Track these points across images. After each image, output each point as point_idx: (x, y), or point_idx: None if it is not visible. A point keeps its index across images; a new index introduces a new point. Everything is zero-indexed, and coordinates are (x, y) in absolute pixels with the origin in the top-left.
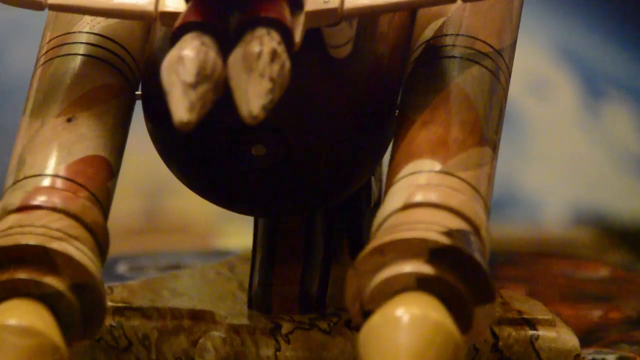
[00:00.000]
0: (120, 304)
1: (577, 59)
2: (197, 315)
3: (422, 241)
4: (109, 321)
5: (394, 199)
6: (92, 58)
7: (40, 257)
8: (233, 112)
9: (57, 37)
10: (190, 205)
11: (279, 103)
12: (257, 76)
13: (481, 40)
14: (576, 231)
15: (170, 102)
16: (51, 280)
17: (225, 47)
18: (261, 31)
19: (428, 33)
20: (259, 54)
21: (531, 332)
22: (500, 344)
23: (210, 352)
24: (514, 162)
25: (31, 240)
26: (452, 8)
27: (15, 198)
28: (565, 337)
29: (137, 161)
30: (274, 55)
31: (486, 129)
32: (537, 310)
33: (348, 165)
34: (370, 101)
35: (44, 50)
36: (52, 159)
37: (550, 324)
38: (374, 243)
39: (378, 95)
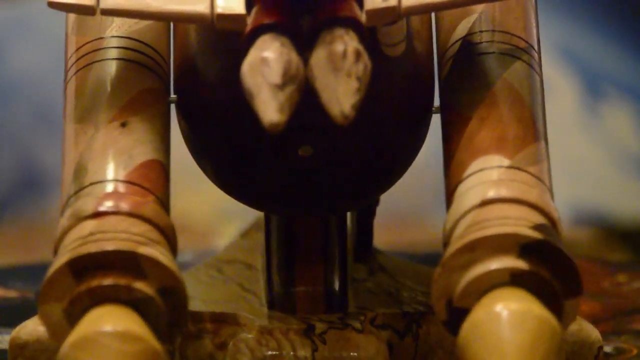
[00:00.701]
0: None
1: (577, 59)
2: (219, 318)
3: (514, 236)
4: None
5: (468, 196)
6: (131, 62)
7: (127, 262)
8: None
9: (88, 42)
10: (190, 205)
11: None
12: (344, 76)
13: (517, 36)
14: (576, 231)
15: (258, 104)
16: (141, 285)
17: (300, 48)
18: (340, 31)
19: (461, 30)
20: (344, 54)
21: None
22: None
23: (246, 354)
24: None
25: (118, 246)
26: (481, 5)
27: (87, 204)
28: (587, 330)
29: None
30: (358, 54)
31: (538, 124)
32: None
33: (389, 165)
34: (413, 100)
35: (78, 56)
36: (115, 164)
37: None
38: (464, 240)
39: (418, 93)
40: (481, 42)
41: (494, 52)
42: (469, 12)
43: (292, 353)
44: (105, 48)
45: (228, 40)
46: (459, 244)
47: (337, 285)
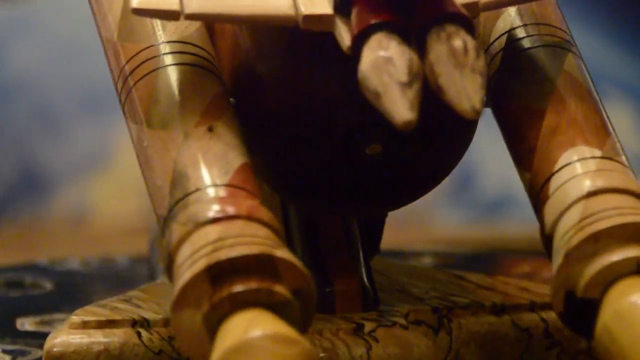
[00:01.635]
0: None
1: None
2: None
3: (636, 225)
4: (163, 333)
5: (570, 188)
6: (196, 67)
7: (265, 266)
8: (351, 111)
9: (145, 49)
10: None
11: None
12: (469, 72)
13: (559, 29)
14: None
15: (387, 103)
16: (279, 288)
17: (410, 46)
18: (451, 27)
19: (501, 24)
20: (465, 50)
21: None
22: (551, 327)
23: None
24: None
25: (257, 250)
26: None
27: (203, 210)
28: None
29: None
30: (477, 50)
31: (605, 115)
32: None
33: (447, 160)
34: None
35: (136, 62)
36: (217, 169)
37: None
38: (587, 231)
39: None
40: (529, 36)
41: (545, 45)
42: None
43: (347, 353)
44: (166, 54)
45: (291, 40)
46: (581, 236)
47: (367, 282)
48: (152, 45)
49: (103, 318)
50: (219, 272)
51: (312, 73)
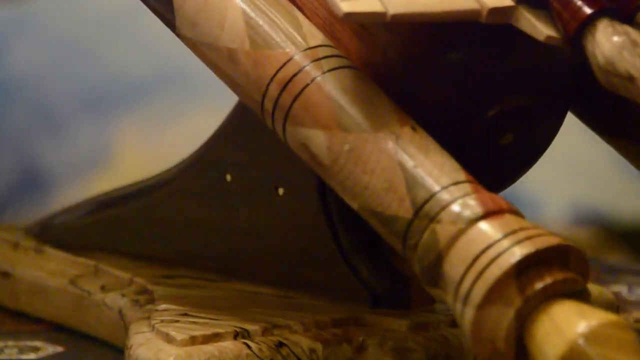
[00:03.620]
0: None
1: None
2: (342, 323)
3: None
4: (268, 342)
5: None
6: (351, 69)
7: (560, 255)
8: (492, 101)
9: (295, 55)
10: None
11: (533, 87)
12: None
13: None
14: (576, 231)
15: None
16: (577, 277)
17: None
18: None
19: None
20: None
21: None
22: None
23: (419, 351)
24: None
25: (553, 241)
26: None
27: (469, 207)
28: (605, 293)
29: (137, 161)
30: None
31: None
32: None
33: (550, 141)
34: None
35: (294, 69)
36: (447, 166)
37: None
38: None
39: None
40: None
41: None
42: None
43: (459, 345)
44: (320, 59)
45: (439, 34)
46: None
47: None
48: (302, 51)
49: (209, 332)
50: (524, 266)
51: (457, 65)
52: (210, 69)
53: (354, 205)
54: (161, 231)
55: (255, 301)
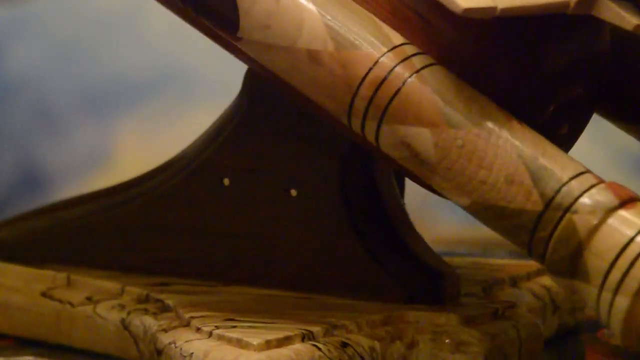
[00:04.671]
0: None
1: None
2: (390, 320)
3: None
4: (333, 342)
5: None
6: (438, 65)
7: None
8: (553, 94)
9: (383, 54)
10: None
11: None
12: None
13: None
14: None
15: None
16: None
17: None
18: None
19: None
20: None
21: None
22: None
23: (475, 344)
24: None
25: None
26: None
27: (605, 196)
28: None
29: (137, 161)
30: None
31: None
32: None
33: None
34: None
35: (387, 68)
36: (566, 155)
37: None
38: None
39: None
40: None
41: None
42: None
43: (505, 335)
44: (410, 57)
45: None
46: None
47: None
48: (390, 50)
49: (280, 335)
50: None
51: (522, 62)
52: (279, 71)
53: (466, 201)
54: (141, 240)
55: (283, 304)
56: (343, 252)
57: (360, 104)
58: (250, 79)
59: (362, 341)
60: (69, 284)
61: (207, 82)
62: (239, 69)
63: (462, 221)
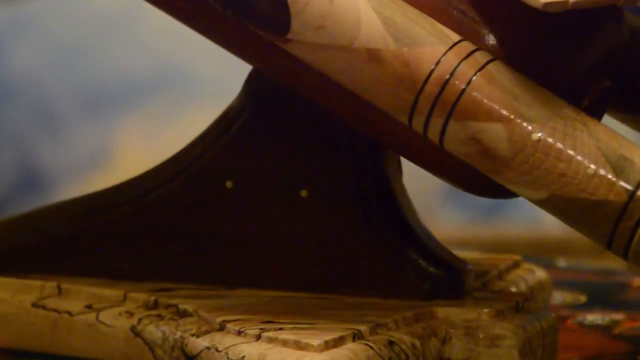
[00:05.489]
0: None
1: None
2: (422, 317)
3: None
4: (381, 340)
5: None
6: (497, 60)
7: None
8: (587, 87)
9: (448, 50)
10: None
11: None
12: None
13: None
14: (576, 231)
15: None
16: None
17: None
18: None
19: None
20: None
21: None
22: None
23: (510, 337)
24: None
25: None
26: None
27: None
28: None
29: (137, 160)
30: None
31: None
32: None
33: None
34: None
35: (453, 64)
36: (635, 145)
37: None
38: None
39: None
40: None
41: None
42: None
43: (531, 327)
44: (473, 52)
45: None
46: None
47: None
48: (451, 46)
49: (335, 336)
50: None
51: (559, 57)
52: (331, 71)
53: (542, 194)
54: (133, 246)
55: (307, 305)
56: (362, 251)
57: (425, 102)
58: (255, 80)
59: (404, 339)
60: (61, 293)
61: (207, 82)
62: (239, 69)
63: (463, 221)
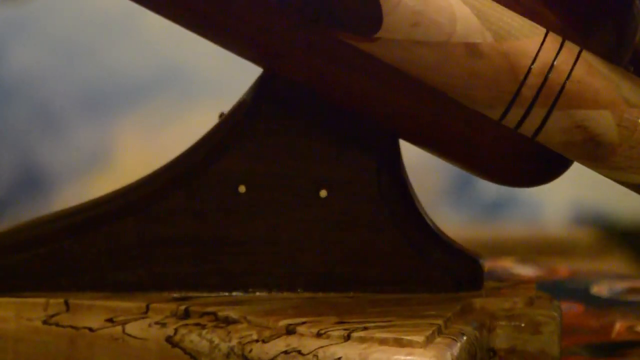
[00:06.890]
0: None
1: None
2: (465, 311)
3: None
4: (454, 330)
5: None
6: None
7: None
8: None
9: (544, 40)
10: None
11: None
12: None
13: None
14: (576, 231)
15: None
16: None
17: None
18: None
19: None
20: None
21: None
22: None
23: (550, 323)
24: None
25: None
26: None
27: None
28: None
29: (137, 161)
30: None
31: None
32: None
33: None
34: None
35: (551, 55)
36: None
37: None
38: None
39: None
40: None
41: None
42: None
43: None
44: (564, 40)
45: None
46: None
47: None
48: (545, 36)
49: (427, 332)
50: None
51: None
52: (423, 69)
53: None
54: (135, 258)
55: (345, 304)
56: (385, 248)
57: (528, 93)
58: (269, 81)
59: (470, 331)
60: (69, 309)
61: (207, 82)
62: (239, 69)
63: (463, 221)
